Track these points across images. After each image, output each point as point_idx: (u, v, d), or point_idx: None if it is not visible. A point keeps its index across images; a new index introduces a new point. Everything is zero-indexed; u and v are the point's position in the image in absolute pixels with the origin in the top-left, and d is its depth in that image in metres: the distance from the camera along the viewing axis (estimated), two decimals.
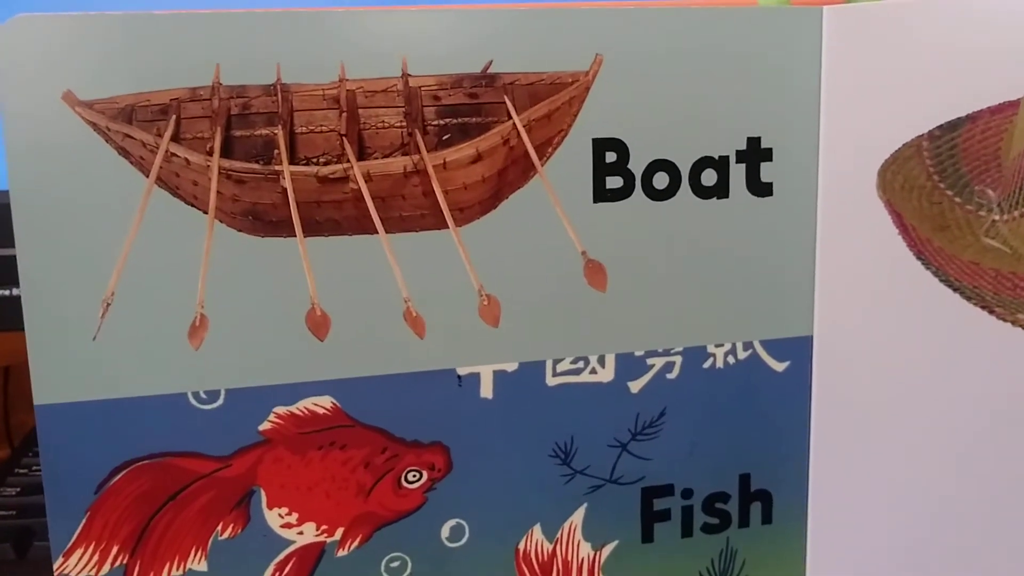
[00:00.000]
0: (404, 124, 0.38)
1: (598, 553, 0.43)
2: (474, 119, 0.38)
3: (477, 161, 0.38)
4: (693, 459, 0.43)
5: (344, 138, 0.37)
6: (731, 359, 0.42)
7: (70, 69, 0.35)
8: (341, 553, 0.40)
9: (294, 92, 0.37)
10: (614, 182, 0.40)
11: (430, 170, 0.38)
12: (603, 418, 0.42)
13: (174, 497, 0.38)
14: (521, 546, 0.42)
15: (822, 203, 0.42)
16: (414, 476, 0.40)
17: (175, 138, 0.36)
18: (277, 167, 0.37)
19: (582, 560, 0.43)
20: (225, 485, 0.38)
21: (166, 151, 0.36)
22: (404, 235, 0.38)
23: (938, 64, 0.38)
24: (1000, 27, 0.36)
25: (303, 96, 0.37)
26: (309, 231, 0.37)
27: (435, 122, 0.38)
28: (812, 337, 0.43)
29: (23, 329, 0.36)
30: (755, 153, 0.41)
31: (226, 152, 0.37)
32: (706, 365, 0.42)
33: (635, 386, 0.42)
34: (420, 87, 0.38)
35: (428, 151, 0.38)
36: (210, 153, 0.36)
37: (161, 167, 0.36)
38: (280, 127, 0.37)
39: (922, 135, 0.39)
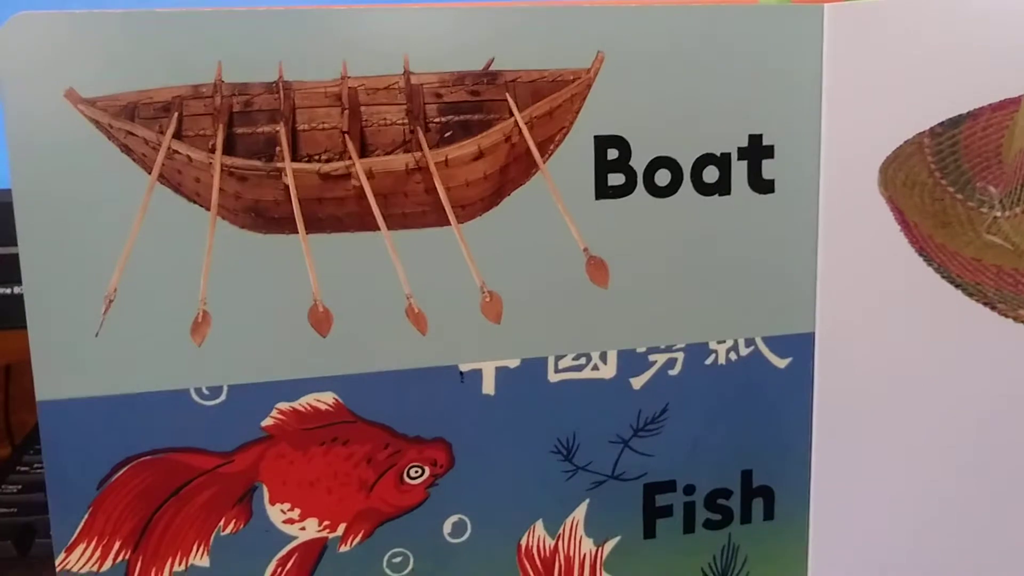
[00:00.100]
0: (406, 121, 0.38)
1: (600, 549, 0.43)
2: (476, 116, 0.38)
3: (479, 158, 0.38)
4: (695, 455, 0.43)
5: (346, 135, 0.37)
6: (733, 356, 0.42)
7: (72, 67, 0.35)
8: (343, 549, 0.40)
9: (296, 89, 0.37)
10: (616, 179, 0.40)
11: (432, 167, 0.38)
12: (605, 414, 0.42)
13: (176, 493, 0.38)
14: (523, 542, 0.42)
15: (824, 200, 0.42)
16: (416, 472, 0.40)
17: (177, 135, 0.36)
18: (279, 164, 0.37)
19: (584, 556, 0.43)
20: (227, 481, 0.39)
21: (168, 148, 0.36)
22: (406, 232, 0.38)
23: (939, 61, 0.38)
24: (1001, 24, 0.36)
25: (305, 93, 0.37)
26: (311, 228, 0.37)
27: (437, 119, 0.38)
28: (814, 334, 0.43)
29: (24, 327, 0.36)
30: (757, 150, 0.41)
31: (228, 149, 0.37)
32: (708, 361, 0.42)
33: (637, 382, 0.42)
34: (422, 84, 0.38)
35: (430, 148, 0.38)
36: (212, 150, 0.36)
37: (163, 164, 0.36)
38: (282, 124, 0.37)
39: (923, 132, 0.39)
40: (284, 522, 0.39)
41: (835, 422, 0.43)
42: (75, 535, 0.38)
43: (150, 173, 0.36)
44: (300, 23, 0.36)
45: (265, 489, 0.39)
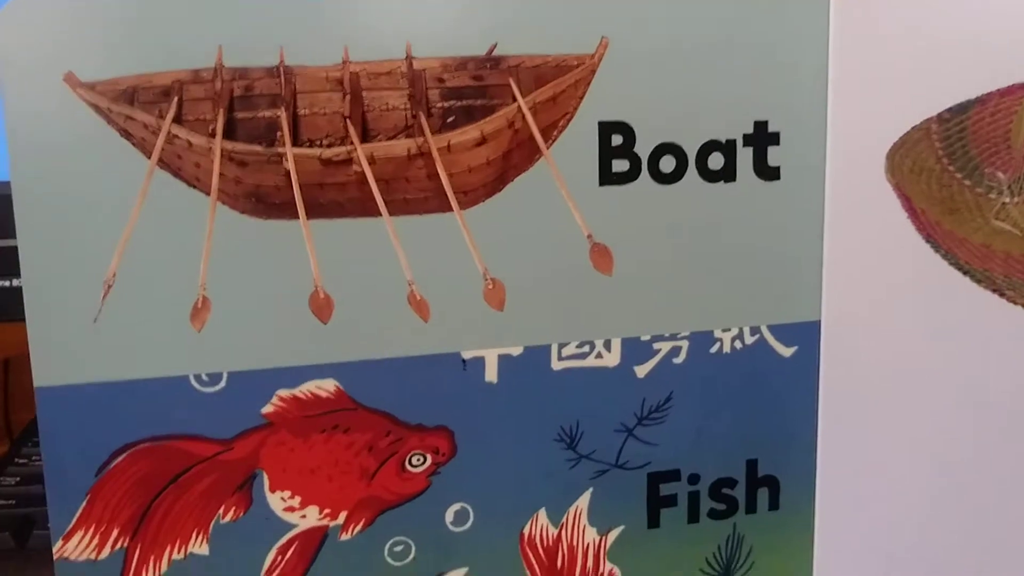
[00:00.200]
0: (408, 106, 0.37)
1: (604, 538, 0.42)
2: (479, 102, 0.38)
3: (482, 144, 0.38)
4: (700, 444, 0.43)
5: (348, 120, 0.37)
6: (738, 344, 0.42)
7: (71, 51, 0.35)
8: (344, 537, 0.40)
9: (297, 74, 0.37)
10: (620, 165, 0.39)
11: (434, 152, 0.38)
12: (609, 403, 0.41)
13: (175, 480, 0.38)
14: (526, 531, 0.42)
15: (830, 187, 0.41)
16: (418, 460, 0.40)
17: (177, 120, 0.36)
18: (280, 149, 0.37)
19: (587, 545, 0.42)
20: (227, 468, 0.38)
21: (168, 133, 0.36)
22: (408, 218, 0.38)
23: (947, 46, 0.38)
24: (1009, 9, 0.36)
25: (306, 78, 0.37)
26: (312, 213, 0.37)
27: (439, 104, 0.38)
28: (820, 322, 0.42)
29: (23, 320, 0.36)
30: (762, 137, 0.41)
31: (229, 134, 0.36)
32: (713, 350, 0.42)
33: (641, 371, 0.41)
34: (424, 69, 0.38)
35: (432, 134, 0.38)
36: (213, 135, 0.36)
37: (163, 149, 0.36)
38: (283, 109, 0.37)
39: (931, 118, 0.38)
40: (284, 510, 0.39)
41: (841, 411, 0.43)
42: (73, 522, 0.37)
43: (150, 158, 0.36)
44: (301, 7, 0.36)
45: (265, 476, 0.39)
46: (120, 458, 0.37)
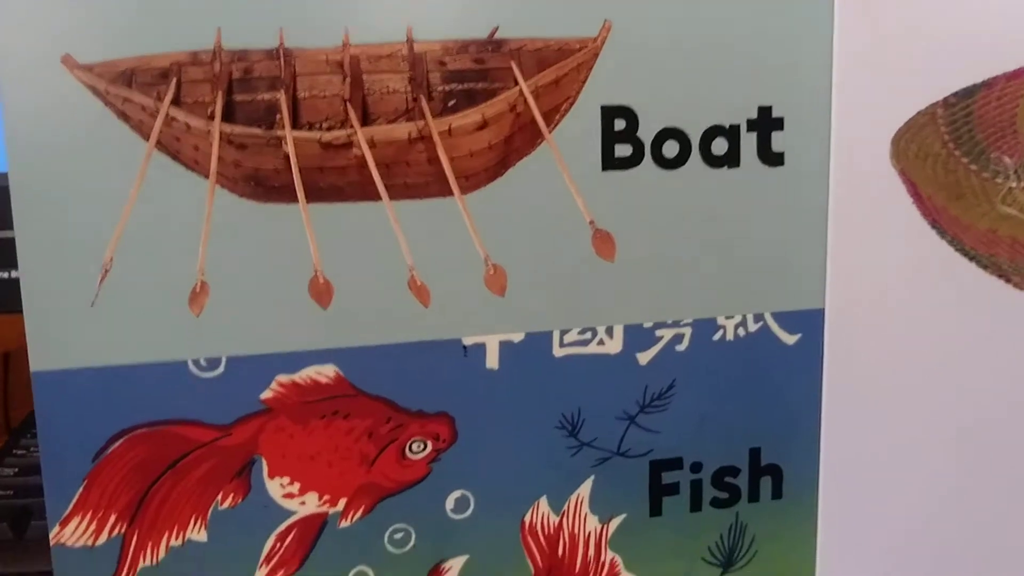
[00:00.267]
0: (409, 90, 0.37)
1: (605, 527, 0.42)
2: (480, 85, 0.38)
3: (483, 128, 0.38)
4: (702, 432, 0.42)
5: (348, 103, 0.37)
6: (741, 331, 0.42)
7: (69, 32, 0.34)
8: (344, 524, 0.40)
9: (297, 56, 0.36)
10: (623, 150, 0.39)
11: (435, 136, 0.37)
12: (611, 390, 0.41)
13: (173, 466, 0.38)
14: (527, 518, 0.41)
15: (834, 173, 0.41)
16: (418, 446, 0.39)
17: (175, 102, 0.36)
18: (279, 132, 0.36)
19: (589, 533, 0.42)
20: (225, 454, 0.38)
21: (166, 115, 0.35)
22: (409, 202, 0.38)
23: (953, 30, 0.37)
24: None
25: (306, 60, 0.36)
26: (312, 197, 0.37)
27: (440, 88, 0.37)
28: (823, 310, 0.42)
29: (22, 312, 0.36)
30: (766, 122, 0.40)
31: (227, 117, 0.36)
32: (716, 337, 0.42)
33: (643, 358, 0.41)
34: (425, 52, 0.37)
35: (433, 117, 0.37)
36: (211, 117, 0.36)
37: (161, 131, 0.36)
38: (283, 92, 0.36)
39: (937, 102, 0.38)
40: (283, 496, 0.39)
41: (845, 399, 0.42)
42: (70, 508, 0.37)
43: (147, 140, 0.35)
44: None
45: (264, 463, 0.38)
46: (117, 443, 0.37)
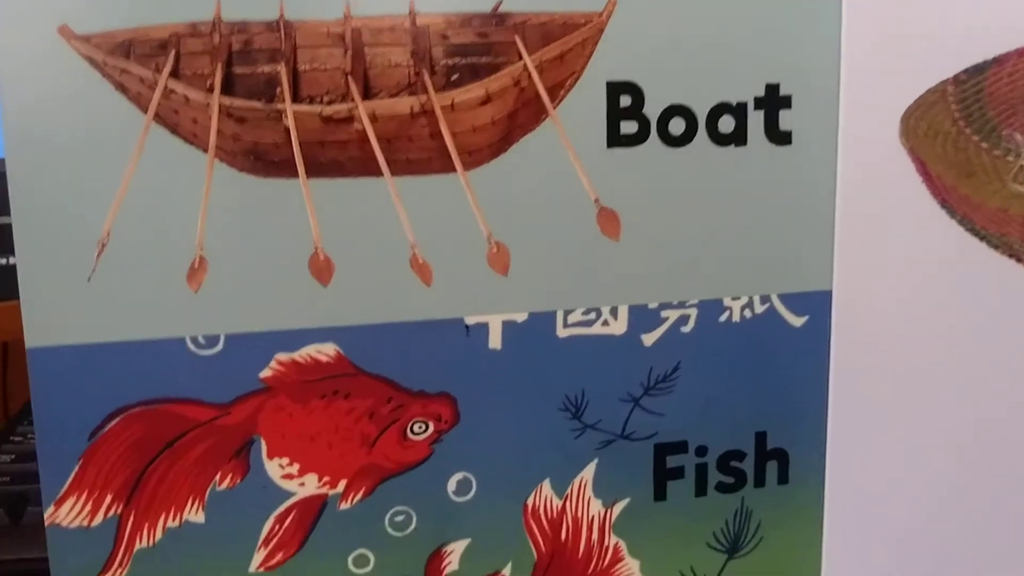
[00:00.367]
0: (411, 63, 0.37)
1: (609, 511, 0.42)
2: (484, 59, 0.37)
3: (486, 103, 0.37)
4: (708, 416, 0.42)
5: (349, 77, 0.36)
6: (748, 313, 0.41)
7: (65, 2, 0.34)
8: (344, 506, 0.39)
9: (298, 28, 0.36)
10: (628, 127, 0.39)
11: (438, 111, 0.37)
12: (615, 372, 0.41)
13: (170, 445, 0.37)
14: (530, 502, 0.41)
15: (842, 152, 0.40)
16: (420, 427, 0.39)
17: (174, 74, 0.35)
18: (280, 105, 0.36)
19: (592, 517, 0.41)
20: (224, 433, 0.37)
21: (165, 87, 0.35)
22: (410, 178, 0.37)
23: (963, 5, 0.37)
24: None
25: (307, 33, 0.36)
26: (312, 172, 0.36)
27: (443, 62, 0.37)
28: (831, 291, 0.42)
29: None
30: (774, 100, 0.40)
31: (227, 89, 0.36)
32: (722, 319, 0.41)
33: (648, 339, 0.40)
34: (428, 25, 0.37)
35: (436, 91, 0.37)
36: (210, 90, 0.35)
37: (160, 104, 0.35)
38: (283, 64, 0.36)
39: (947, 79, 0.38)
40: (282, 477, 0.38)
41: (852, 383, 0.42)
42: (65, 488, 0.36)
43: (146, 113, 0.35)
44: None
45: (263, 442, 0.38)
46: (114, 422, 0.36)
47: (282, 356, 0.37)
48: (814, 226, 0.41)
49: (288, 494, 0.38)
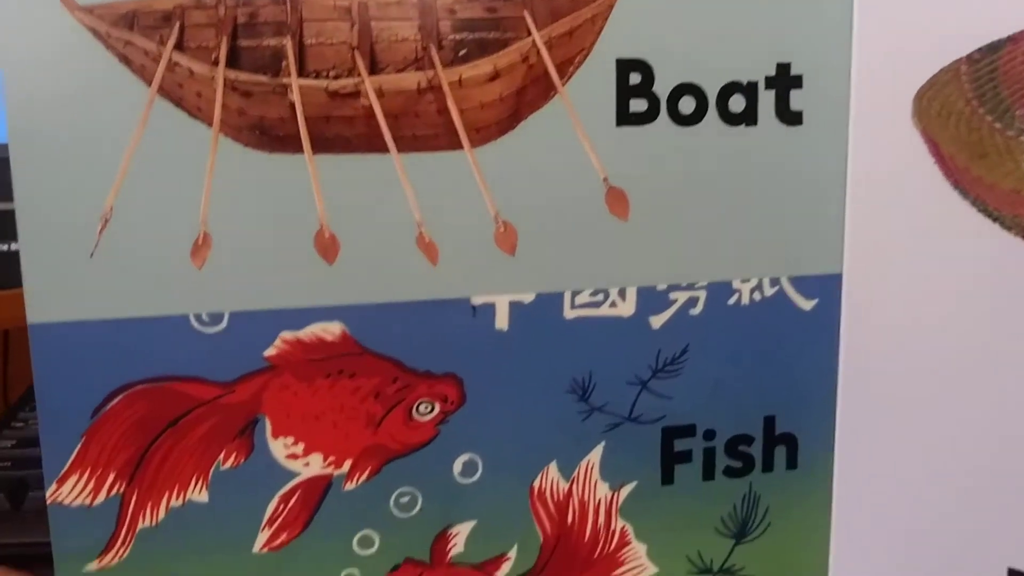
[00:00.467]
0: (418, 38, 0.36)
1: (616, 494, 0.41)
2: (492, 35, 0.37)
3: (495, 79, 0.37)
4: (716, 399, 0.41)
5: (355, 51, 0.36)
6: (757, 296, 0.41)
7: None
8: (349, 486, 0.39)
9: (304, 2, 0.36)
10: (638, 105, 0.38)
11: (445, 87, 0.36)
12: (623, 354, 0.40)
13: (174, 423, 0.37)
14: (536, 484, 0.40)
15: (854, 132, 0.40)
16: (426, 408, 0.38)
17: (179, 47, 0.35)
18: (285, 80, 0.35)
19: (599, 500, 0.41)
20: (228, 412, 0.37)
21: (169, 60, 0.35)
22: (417, 155, 0.37)
23: None
24: None
25: (313, 6, 0.36)
26: (318, 148, 0.36)
27: (451, 37, 0.36)
28: (841, 275, 0.41)
29: (21, 287, 0.35)
30: (785, 79, 0.39)
31: (232, 63, 0.35)
32: (731, 301, 0.41)
33: (656, 321, 0.40)
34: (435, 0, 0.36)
35: (443, 67, 0.36)
36: (215, 63, 0.35)
37: (164, 77, 0.35)
38: (289, 38, 0.35)
39: (960, 59, 0.37)
40: (287, 457, 0.38)
41: (862, 367, 0.41)
42: (67, 466, 0.36)
43: (150, 86, 0.34)
44: None
45: (267, 422, 0.37)
46: (116, 400, 0.36)
47: (287, 334, 0.37)
48: (824, 208, 0.41)
49: (293, 474, 0.38)
